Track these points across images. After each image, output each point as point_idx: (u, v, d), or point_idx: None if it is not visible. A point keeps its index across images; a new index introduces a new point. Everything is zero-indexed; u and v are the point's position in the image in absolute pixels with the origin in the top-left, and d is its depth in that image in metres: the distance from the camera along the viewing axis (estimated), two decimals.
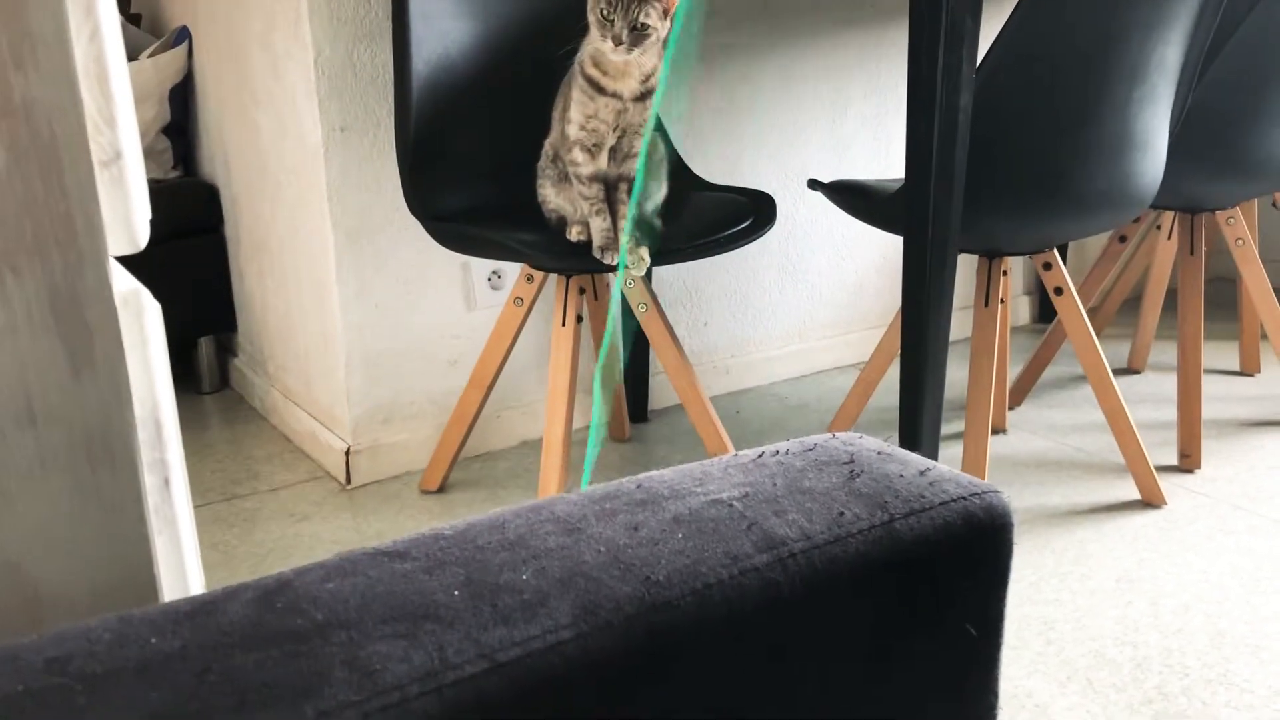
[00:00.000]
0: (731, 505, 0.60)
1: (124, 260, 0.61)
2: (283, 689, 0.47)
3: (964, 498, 0.61)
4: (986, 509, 0.60)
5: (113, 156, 0.52)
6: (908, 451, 0.67)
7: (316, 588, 0.52)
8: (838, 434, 0.67)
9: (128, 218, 0.54)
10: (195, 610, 0.51)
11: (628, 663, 0.52)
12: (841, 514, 0.58)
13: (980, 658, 0.62)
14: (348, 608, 0.51)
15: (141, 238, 0.56)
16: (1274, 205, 2.65)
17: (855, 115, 2.50)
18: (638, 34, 1.57)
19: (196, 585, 0.61)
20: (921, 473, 0.62)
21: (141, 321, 0.54)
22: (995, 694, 0.64)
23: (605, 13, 1.57)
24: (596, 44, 1.59)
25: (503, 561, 0.54)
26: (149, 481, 0.55)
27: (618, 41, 1.56)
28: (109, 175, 0.52)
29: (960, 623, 0.61)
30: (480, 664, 0.49)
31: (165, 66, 2.34)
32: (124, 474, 0.54)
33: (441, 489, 2.02)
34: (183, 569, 0.58)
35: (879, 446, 0.67)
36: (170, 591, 0.58)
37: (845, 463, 0.64)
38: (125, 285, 0.54)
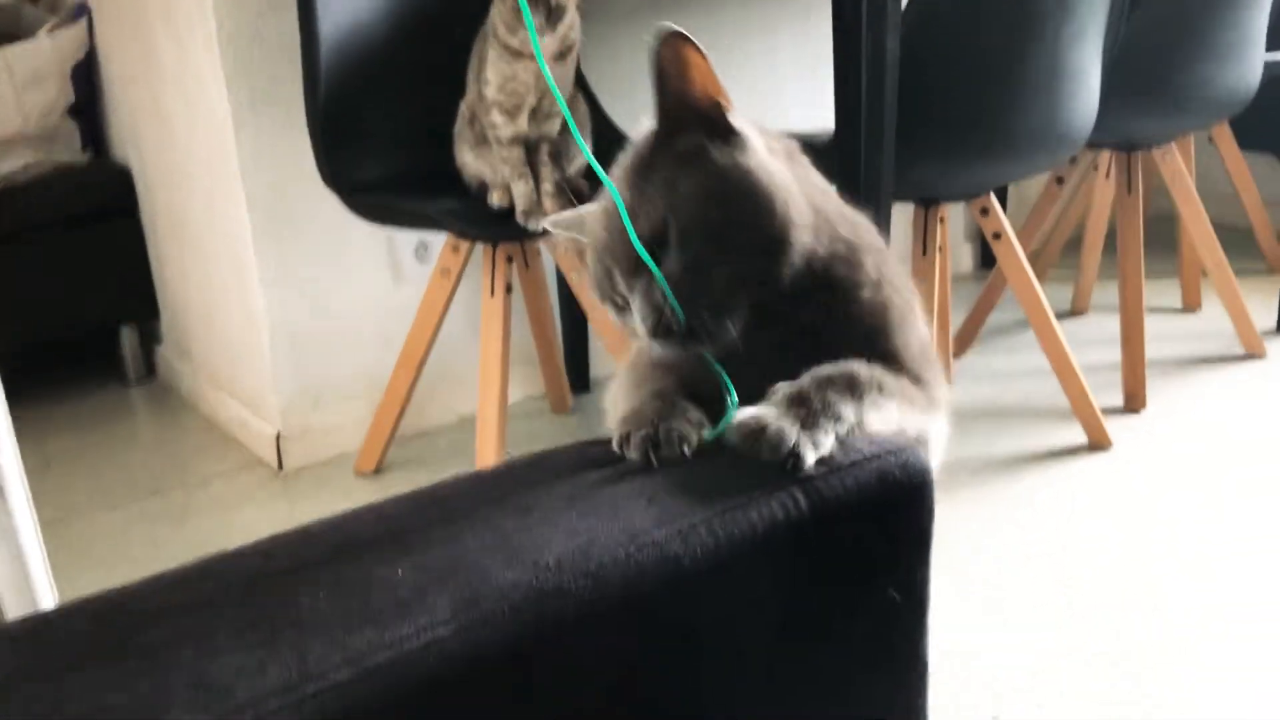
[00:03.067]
0: (631, 479, 0.56)
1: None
2: (122, 714, 0.42)
3: (877, 456, 0.57)
4: (902, 467, 0.56)
5: None
6: None
7: (164, 597, 0.47)
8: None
9: None
10: (29, 632, 0.46)
11: (517, 655, 0.48)
12: (739, 480, 0.53)
13: (906, 624, 0.58)
14: (199, 619, 0.46)
15: None
16: (1210, 141, 2.64)
17: (786, 63, 2.45)
18: (554, 14, 1.51)
19: (46, 599, 0.55)
20: None
21: None
22: (925, 660, 0.60)
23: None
24: (520, 29, 1.52)
25: (377, 556, 0.49)
26: None
27: (539, 31, 1.50)
28: None
29: (882, 589, 0.57)
30: (346, 671, 0.44)
31: (65, 44, 2.23)
32: None
33: (378, 470, 1.96)
34: (28, 583, 0.53)
35: None
36: (13, 608, 0.52)
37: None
38: None
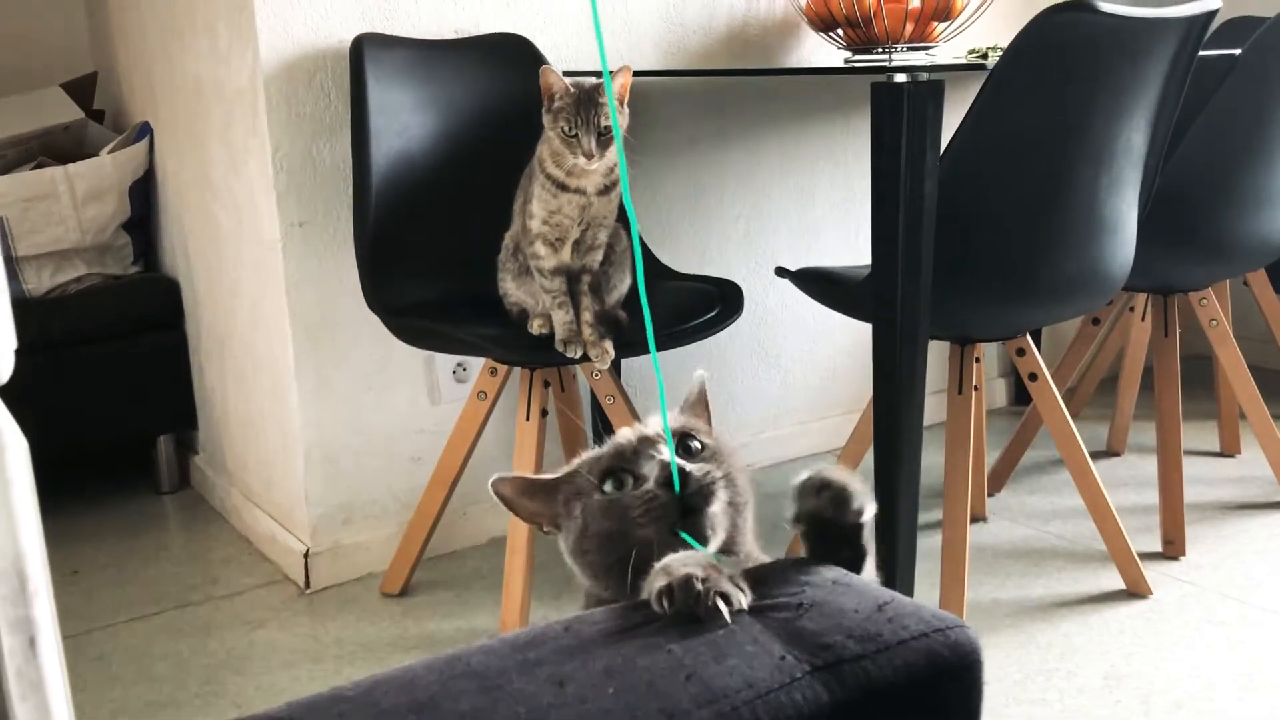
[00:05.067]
0: (670, 651, 0.55)
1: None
2: None
3: (925, 634, 0.55)
4: (951, 647, 0.55)
5: None
6: (869, 581, 0.61)
7: None
8: (791, 559, 0.62)
9: None
10: None
11: None
12: (783, 658, 0.52)
13: None
14: None
15: (4, 368, 0.51)
16: (1244, 284, 2.64)
17: (823, 202, 2.49)
18: (604, 138, 1.55)
19: None
20: (879, 607, 0.57)
21: (3, 461, 0.49)
22: None
23: (567, 130, 1.54)
24: (567, 159, 1.56)
25: None
26: (10, 643, 0.49)
27: (589, 155, 1.54)
28: None
29: None
30: None
31: (125, 162, 2.31)
32: None
33: (404, 592, 1.94)
34: None
35: (837, 576, 0.62)
36: None
37: (795, 594, 0.59)
38: None
